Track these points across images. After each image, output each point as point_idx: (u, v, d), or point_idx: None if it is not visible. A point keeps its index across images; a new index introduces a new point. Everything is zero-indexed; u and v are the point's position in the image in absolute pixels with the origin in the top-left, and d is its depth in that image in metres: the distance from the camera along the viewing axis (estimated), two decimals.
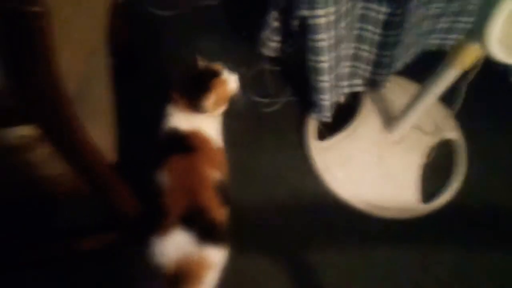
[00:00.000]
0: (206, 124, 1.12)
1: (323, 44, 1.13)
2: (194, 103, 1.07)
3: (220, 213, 1.01)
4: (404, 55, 1.37)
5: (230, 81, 1.15)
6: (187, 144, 1.07)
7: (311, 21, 1.07)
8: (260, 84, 1.63)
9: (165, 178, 1.02)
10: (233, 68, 1.58)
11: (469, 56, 0.98)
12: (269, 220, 1.34)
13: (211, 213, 0.99)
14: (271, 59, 1.60)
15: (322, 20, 1.05)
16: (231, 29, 1.81)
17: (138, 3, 1.75)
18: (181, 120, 1.10)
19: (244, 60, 1.65)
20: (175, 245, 0.93)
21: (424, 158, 1.41)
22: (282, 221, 1.34)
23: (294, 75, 1.63)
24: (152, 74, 1.66)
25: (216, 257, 0.97)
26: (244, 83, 1.50)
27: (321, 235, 1.33)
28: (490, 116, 1.56)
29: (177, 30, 1.77)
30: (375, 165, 1.39)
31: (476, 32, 0.87)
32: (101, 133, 0.83)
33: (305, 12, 1.07)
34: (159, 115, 1.14)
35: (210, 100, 1.08)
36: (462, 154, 1.45)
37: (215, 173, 1.05)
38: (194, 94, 1.07)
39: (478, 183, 1.42)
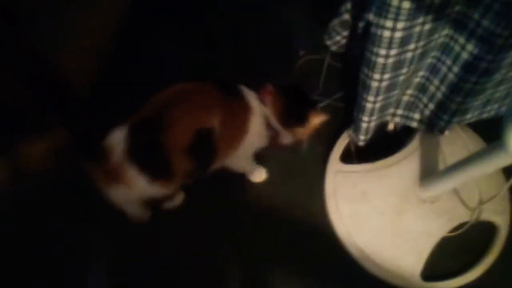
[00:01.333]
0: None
1: (380, 60, 0.93)
2: (287, 123, 1.08)
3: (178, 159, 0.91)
4: (480, 109, 1.12)
5: (321, 118, 1.12)
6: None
7: (374, 30, 0.88)
8: (313, 74, 1.46)
9: None
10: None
11: None
12: (251, 228, 1.23)
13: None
14: (335, 53, 1.41)
15: (386, 33, 0.85)
16: (316, 4, 1.62)
17: None
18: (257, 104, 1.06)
19: (310, 43, 1.48)
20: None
21: (449, 231, 1.18)
22: (265, 232, 1.22)
23: (351, 79, 1.43)
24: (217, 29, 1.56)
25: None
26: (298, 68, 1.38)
27: (296, 261, 1.19)
28: None
29: None
30: (389, 216, 1.19)
31: None
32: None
33: (371, 17, 0.88)
34: None
35: (302, 130, 1.10)
36: (498, 244, 1.20)
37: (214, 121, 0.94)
38: (291, 116, 1.08)
39: (499, 284, 1.17)
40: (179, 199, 1.17)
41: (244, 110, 1.02)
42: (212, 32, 1.59)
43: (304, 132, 1.12)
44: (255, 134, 1.06)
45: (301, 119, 1.08)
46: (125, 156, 0.85)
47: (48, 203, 1.21)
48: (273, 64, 1.51)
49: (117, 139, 0.87)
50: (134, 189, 0.88)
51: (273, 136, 1.11)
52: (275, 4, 1.64)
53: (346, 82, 1.44)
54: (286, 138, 1.12)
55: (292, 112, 1.07)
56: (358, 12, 1.09)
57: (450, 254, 1.19)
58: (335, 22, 1.21)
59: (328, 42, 1.31)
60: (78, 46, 1.20)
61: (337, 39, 1.26)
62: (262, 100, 1.06)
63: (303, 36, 1.55)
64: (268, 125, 1.08)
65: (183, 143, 0.88)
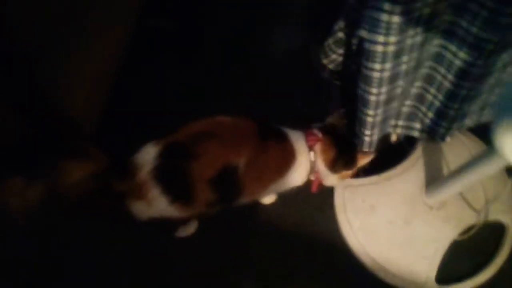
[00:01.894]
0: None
1: (375, 74, 0.96)
2: (337, 169, 1.09)
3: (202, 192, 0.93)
4: (478, 114, 1.15)
5: (368, 158, 1.15)
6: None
7: (367, 45, 0.92)
8: (313, 92, 1.50)
9: None
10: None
11: None
12: (264, 248, 1.24)
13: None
14: (334, 71, 1.45)
15: (378, 48, 0.89)
16: (308, 21, 1.68)
17: None
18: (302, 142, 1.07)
19: (310, 61, 1.53)
20: None
21: (459, 234, 1.20)
22: (278, 251, 1.23)
23: (350, 96, 1.47)
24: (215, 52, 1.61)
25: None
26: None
27: (313, 277, 1.20)
28: None
29: (250, 16, 1.68)
30: (400, 225, 1.21)
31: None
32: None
33: (363, 33, 0.92)
34: None
35: (349, 172, 1.12)
36: (507, 243, 1.21)
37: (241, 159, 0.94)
38: (342, 163, 1.09)
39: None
40: (192, 228, 1.19)
41: (285, 154, 1.02)
42: (214, 58, 1.64)
43: (351, 173, 1.14)
44: (293, 178, 1.06)
45: (352, 164, 1.11)
46: (151, 175, 0.88)
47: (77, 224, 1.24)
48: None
49: (147, 157, 0.90)
50: (153, 207, 0.91)
51: (316, 179, 1.12)
52: (269, 26, 1.69)
53: (346, 98, 1.48)
54: (331, 180, 1.13)
55: (343, 159, 1.09)
56: (351, 29, 1.13)
57: (462, 257, 1.20)
58: (330, 40, 1.25)
59: (325, 61, 1.35)
60: (83, 81, 1.23)
61: (333, 57, 1.30)
62: (310, 147, 1.06)
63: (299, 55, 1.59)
64: (313, 170, 1.09)
65: (208, 175, 0.91)
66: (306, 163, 1.06)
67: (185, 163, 0.89)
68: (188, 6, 1.65)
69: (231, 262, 1.23)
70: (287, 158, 1.02)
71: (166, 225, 1.10)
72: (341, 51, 1.27)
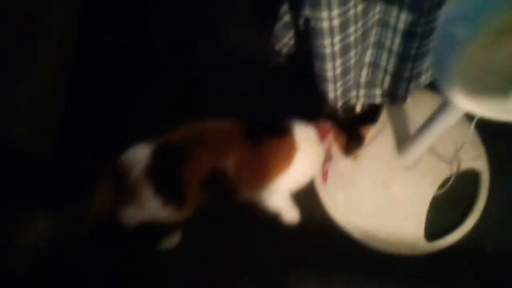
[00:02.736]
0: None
1: (327, 50, 0.98)
2: (351, 150, 1.12)
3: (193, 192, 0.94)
4: (430, 70, 1.18)
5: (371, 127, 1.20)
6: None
7: (313, 24, 0.93)
8: (273, 77, 1.50)
9: None
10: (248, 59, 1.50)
11: None
12: (251, 239, 1.24)
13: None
14: (289, 54, 1.46)
15: (324, 24, 0.91)
16: (254, 14, 1.68)
17: None
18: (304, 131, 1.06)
19: (262, 51, 1.53)
20: None
21: (437, 189, 1.24)
22: (266, 239, 1.23)
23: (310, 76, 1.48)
24: (163, 58, 1.58)
25: None
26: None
27: (307, 261, 1.21)
28: None
29: (195, 12, 1.67)
30: (380, 191, 1.24)
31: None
32: None
33: (307, 12, 0.93)
34: None
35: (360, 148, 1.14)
36: (484, 187, 1.26)
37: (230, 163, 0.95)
38: (355, 143, 1.12)
39: (496, 223, 1.23)
40: (176, 238, 1.19)
41: (286, 148, 1.02)
42: (166, 60, 1.61)
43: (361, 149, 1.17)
44: (303, 170, 1.07)
45: (361, 141, 1.14)
46: (144, 174, 0.88)
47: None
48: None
49: (139, 156, 0.90)
50: (145, 209, 0.90)
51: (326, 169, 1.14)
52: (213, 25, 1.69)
53: (309, 77, 1.49)
54: (345, 163, 1.17)
55: (355, 139, 1.12)
56: (296, 10, 1.14)
57: (446, 211, 1.24)
58: (279, 26, 1.26)
59: (279, 46, 1.36)
60: (29, 112, 1.19)
61: (285, 41, 1.31)
62: (323, 137, 1.07)
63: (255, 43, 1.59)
64: (328, 158, 1.10)
65: (199, 178, 0.92)
66: (317, 153, 1.07)
67: (176, 165, 0.90)
68: (129, 15, 1.63)
69: (224, 258, 1.23)
70: (288, 151, 1.02)
71: (152, 234, 1.09)
72: (291, 34, 1.28)
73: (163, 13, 1.68)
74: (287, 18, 1.21)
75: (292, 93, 1.46)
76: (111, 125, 1.43)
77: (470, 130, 1.15)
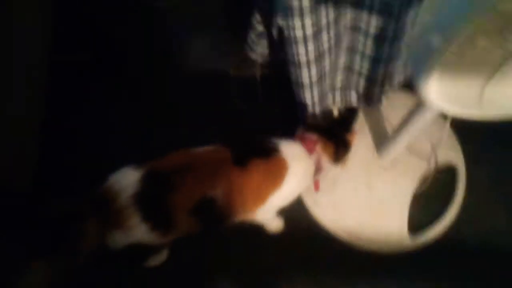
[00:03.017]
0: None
1: (302, 58, 1.00)
2: (340, 158, 1.10)
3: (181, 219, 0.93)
4: (403, 71, 1.22)
5: (355, 132, 1.17)
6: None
7: (287, 33, 0.95)
8: (250, 89, 1.51)
9: None
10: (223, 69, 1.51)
11: None
12: (239, 245, 1.24)
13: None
14: (265, 64, 1.47)
15: (298, 33, 0.92)
16: (225, 24, 1.69)
17: None
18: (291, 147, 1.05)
19: (236, 61, 1.54)
20: None
21: (418, 185, 1.27)
22: (253, 246, 1.24)
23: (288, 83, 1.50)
24: (136, 72, 1.57)
25: None
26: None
27: (296, 266, 1.21)
28: (498, 137, 1.35)
29: (169, 22, 1.67)
30: (363, 192, 1.26)
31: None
32: None
33: (280, 22, 0.95)
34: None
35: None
36: (461, 182, 1.30)
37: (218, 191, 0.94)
38: (343, 151, 1.11)
39: (475, 217, 1.27)
40: (164, 255, 1.17)
41: (275, 167, 1.01)
42: (139, 79, 1.60)
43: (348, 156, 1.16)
44: (295, 185, 1.06)
45: (348, 148, 1.13)
46: (131, 201, 0.86)
47: None
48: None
49: (126, 182, 0.88)
50: (132, 235, 0.89)
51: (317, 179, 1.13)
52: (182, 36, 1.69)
53: (285, 86, 1.51)
54: (335, 172, 1.14)
55: (342, 147, 1.11)
56: (269, 20, 1.16)
57: (427, 206, 1.27)
58: (252, 35, 1.28)
59: (253, 56, 1.37)
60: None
61: (260, 50, 1.33)
62: (310, 150, 1.06)
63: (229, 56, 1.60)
64: (318, 170, 1.09)
65: (188, 207, 0.91)
66: (306, 167, 1.06)
67: (165, 194, 0.89)
68: (98, 33, 1.61)
69: (210, 267, 1.22)
70: (278, 171, 1.01)
71: (139, 255, 1.08)
72: (264, 43, 1.30)
73: (134, 30, 1.67)
74: (260, 28, 1.22)
75: (271, 103, 1.47)
76: (87, 149, 1.42)
77: (446, 127, 1.19)
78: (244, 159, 0.96)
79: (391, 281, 1.18)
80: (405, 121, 1.05)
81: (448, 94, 0.70)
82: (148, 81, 1.57)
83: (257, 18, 1.20)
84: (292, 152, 1.03)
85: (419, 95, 0.72)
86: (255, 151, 0.99)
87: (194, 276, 1.21)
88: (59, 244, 0.84)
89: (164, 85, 1.56)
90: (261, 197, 1.01)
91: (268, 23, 1.17)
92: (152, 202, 0.89)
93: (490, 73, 0.61)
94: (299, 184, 1.07)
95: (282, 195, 1.03)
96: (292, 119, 1.23)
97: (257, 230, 1.21)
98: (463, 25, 0.55)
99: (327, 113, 1.27)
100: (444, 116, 1.20)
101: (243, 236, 1.23)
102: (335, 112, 1.43)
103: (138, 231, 0.88)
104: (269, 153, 1.00)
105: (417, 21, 0.67)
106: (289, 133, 1.12)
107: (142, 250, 1.00)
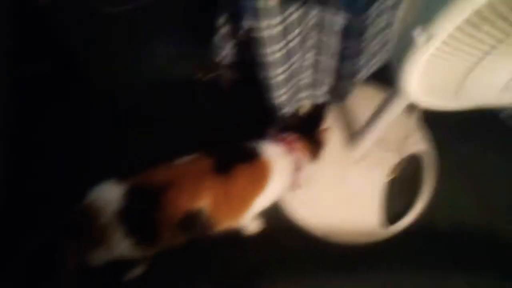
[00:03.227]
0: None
1: (270, 58, 1.00)
2: (318, 154, 1.14)
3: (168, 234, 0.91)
4: (367, 66, 1.25)
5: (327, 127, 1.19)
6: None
7: (254, 34, 0.94)
8: (217, 92, 1.50)
9: None
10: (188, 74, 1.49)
11: None
12: (219, 247, 1.22)
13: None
14: (232, 66, 1.46)
15: (264, 33, 0.92)
16: (189, 28, 1.66)
17: None
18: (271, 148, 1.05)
19: (202, 64, 1.52)
20: None
21: (388, 176, 1.30)
22: (230, 245, 1.22)
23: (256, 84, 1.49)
24: (99, 82, 1.52)
25: None
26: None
27: (274, 263, 1.22)
28: (463, 125, 1.38)
29: (126, 29, 1.62)
30: (336, 186, 1.28)
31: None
32: None
33: (247, 24, 0.94)
34: None
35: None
36: (430, 169, 1.35)
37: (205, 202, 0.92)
38: (320, 146, 1.15)
39: (446, 202, 1.32)
40: (144, 266, 1.15)
41: (258, 170, 1.00)
42: (101, 88, 1.55)
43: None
44: (278, 186, 1.05)
45: (323, 143, 1.15)
46: (116, 217, 0.83)
47: None
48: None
49: (111, 198, 0.85)
50: (115, 250, 0.86)
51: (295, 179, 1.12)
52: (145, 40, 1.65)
53: (253, 87, 1.50)
54: (313, 167, 1.15)
55: (318, 143, 1.13)
56: (234, 22, 1.15)
57: (398, 195, 1.31)
58: (217, 37, 1.27)
59: (217, 59, 1.36)
60: None
61: (226, 52, 1.32)
62: (290, 149, 1.06)
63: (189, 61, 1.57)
64: (298, 168, 1.09)
65: (173, 221, 0.89)
66: (288, 167, 1.06)
67: (150, 210, 0.86)
68: (60, 43, 1.55)
69: (188, 272, 1.20)
70: (262, 173, 1.00)
71: (119, 268, 1.05)
72: (231, 44, 1.29)
73: (95, 39, 1.62)
74: (225, 29, 1.22)
75: (241, 105, 1.46)
76: (58, 162, 1.36)
77: (413, 118, 1.23)
78: (227, 166, 0.95)
79: (371, 272, 1.21)
80: (374, 115, 1.08)
81: (429, 88, 0.72)
82: (114, 91, 1.52)
83: (221, 20, 1.19)
84: (274, 153, 1.03)
85: (398, 88, 0.74)
86: (237, 156, 0.98)
87: (175, 280, 1.19)
88: (41, 275, 0.81)
89: (132, 93, 1.52)
90: (247, 202, 1.00)
91: (234, 25, 1.16)
92: (138, 218, 0.86)
93: (471, 66, 0.63)
94: (281, 185, 1.07)
95: (267, 197, 1.03)
96: (263, 119, 1.24)
97: (236, 232, 1.20)
98: (445, 18, 0.57)
99: (297, 111, 1.29)
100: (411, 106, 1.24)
101: (223, 239, 1.22)
102: (305, 110, 1.44)
103: (123, 246, 0.86)
104: (251, 157, 0.99)
105: (398, 15, 0.68)
106: (261, 134, 1.13)
107: (123, 264, 0.98)
